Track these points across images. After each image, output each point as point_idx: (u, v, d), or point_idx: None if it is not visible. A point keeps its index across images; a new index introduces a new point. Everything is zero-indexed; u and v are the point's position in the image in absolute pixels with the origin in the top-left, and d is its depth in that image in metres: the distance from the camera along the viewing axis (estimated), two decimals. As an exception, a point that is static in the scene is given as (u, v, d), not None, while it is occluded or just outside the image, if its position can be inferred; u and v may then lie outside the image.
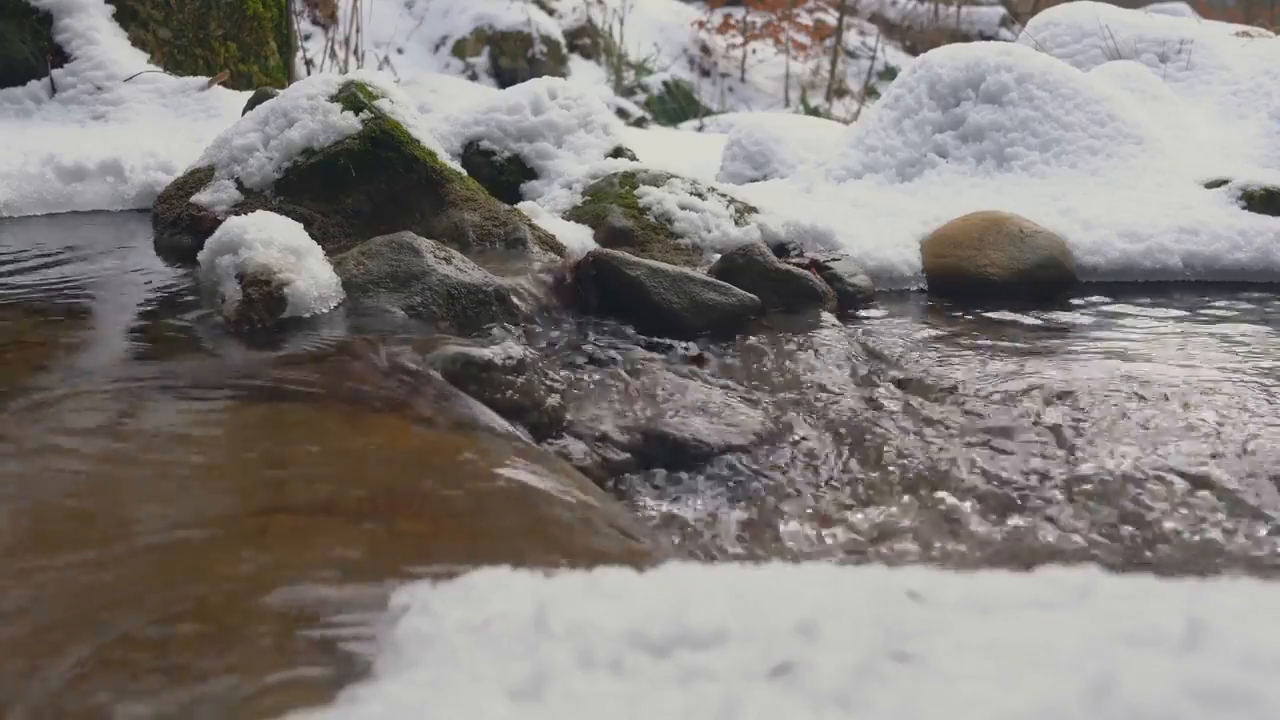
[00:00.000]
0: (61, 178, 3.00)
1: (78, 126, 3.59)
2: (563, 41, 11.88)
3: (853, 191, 3.66)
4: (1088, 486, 1.63)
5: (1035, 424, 1.89)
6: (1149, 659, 0.59)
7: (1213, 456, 1.75)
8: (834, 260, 2.83)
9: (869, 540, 1.47)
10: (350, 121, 2.49)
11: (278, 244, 1.85)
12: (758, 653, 0.63)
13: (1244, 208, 3.48)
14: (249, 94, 3.40)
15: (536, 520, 1.22)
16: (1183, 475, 1.67)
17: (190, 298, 1.97)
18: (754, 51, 13.38)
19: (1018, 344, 2.46)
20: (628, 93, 11.81)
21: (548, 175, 3.23)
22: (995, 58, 3.86)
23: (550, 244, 2.57)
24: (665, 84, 12.15)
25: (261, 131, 2.60)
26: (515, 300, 2.04)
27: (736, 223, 2.96)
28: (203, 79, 3.87)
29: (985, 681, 0.57)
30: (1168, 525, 1.52)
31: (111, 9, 3.99)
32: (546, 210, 2.96)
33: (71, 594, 0.90)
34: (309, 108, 2.55)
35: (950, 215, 3.26)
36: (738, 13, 13.37)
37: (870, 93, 12.30)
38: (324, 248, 1.97)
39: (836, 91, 12.67)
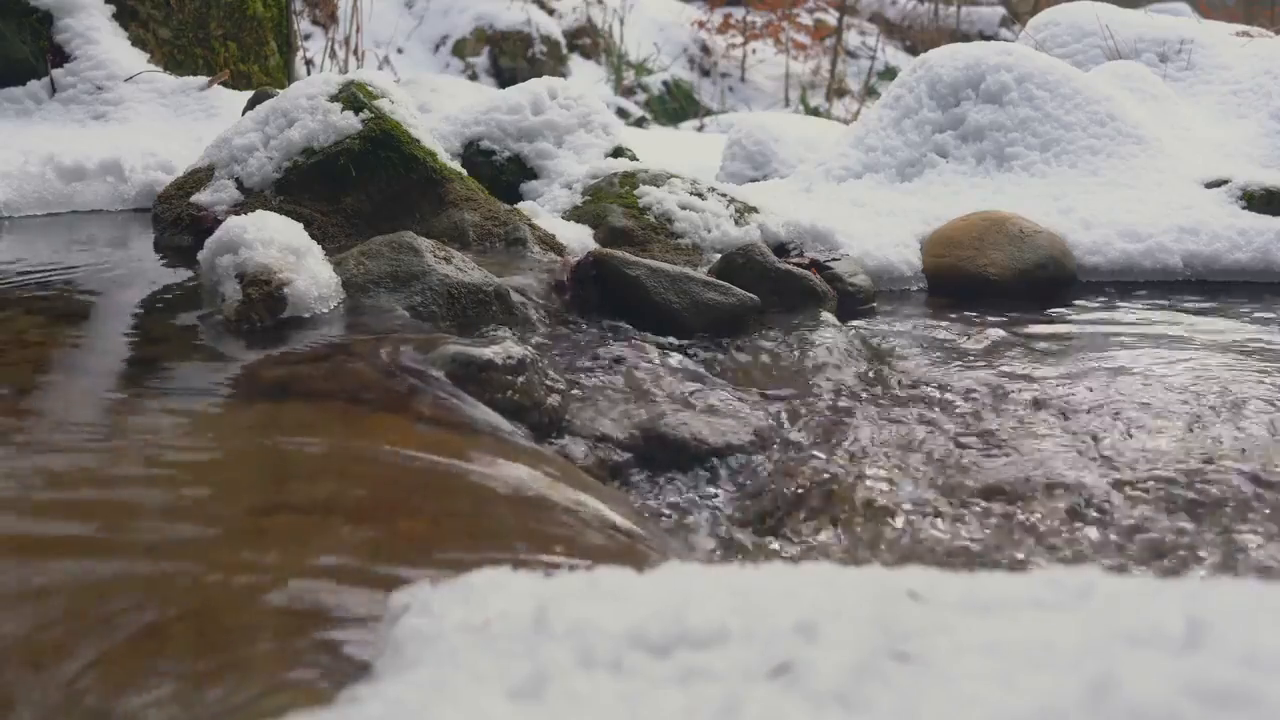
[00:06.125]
0: (61, 177, 3.00)
1: (78, 126, 3.59)
2: (563, 41, 11.88)
3: (853, 191, 3.66)
4: (1071, 489, 1.63)
5: (1033, 424, 1.89)
6: (1149, 659, 0.59)
7: (1208, 458, 1.75)
8: (834, 260, 2.83)
9: (871, 539, 1.47)
10: (350, 121, 2.49)
11: (278, 244, 1.85)
12: (758, 653, 0.63)
13: (1244, 208, 3.48)
14: (249, 94, 3.40)
15: (536, 520, 1.22)
16: (1177, 473, 1.68)
17: (190, 297, 1.97)
18: (754, 51, 13.37)
19: (1017, 344, 2.46)
20: (628, 93, 11.81)
21: (548, 175, 3.23)
22: (995, 58, 3.86)
23: (550, 244, 2.57)
24: (665, 84, 12.15)
25: (261, 131, 2.60)
26: (515, 300, 2.04)
27: (736, 222, 2.96)
28: (203, 79, 3.87)
29: (985, 681, 0.57)
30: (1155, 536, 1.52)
31: (111, 9, 3.99)
32: (546, 210, 2.96)
33: (70, 594, 0.90)
34: (309, 107, 2.55)
35: (950, 215, 3.26)
36: (738, 12, 13.35)
37: (870, 93, 12.29)
38: (324, 247, 1.97)
39: (836, 91, 12.66)
